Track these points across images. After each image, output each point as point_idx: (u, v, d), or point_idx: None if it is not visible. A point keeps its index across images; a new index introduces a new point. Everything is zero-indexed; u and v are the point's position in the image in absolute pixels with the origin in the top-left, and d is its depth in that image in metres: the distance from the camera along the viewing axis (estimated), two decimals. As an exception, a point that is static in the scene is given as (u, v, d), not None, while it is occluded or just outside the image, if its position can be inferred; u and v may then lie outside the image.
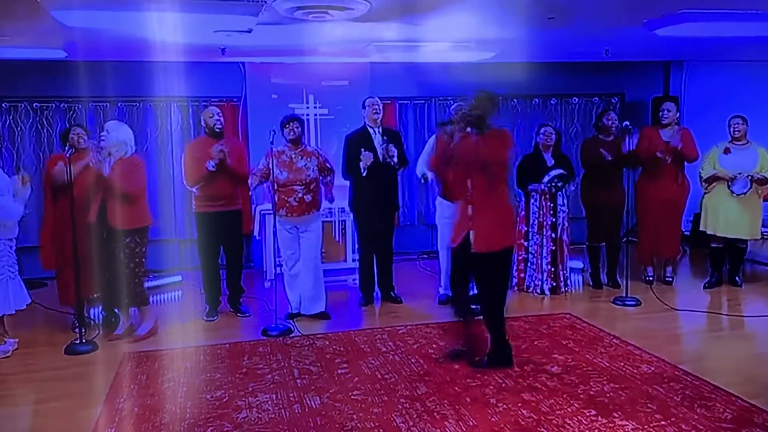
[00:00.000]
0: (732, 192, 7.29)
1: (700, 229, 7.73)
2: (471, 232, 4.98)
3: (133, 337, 6.20)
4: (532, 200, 7.39)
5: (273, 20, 5.90)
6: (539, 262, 7.44)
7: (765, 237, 8.58)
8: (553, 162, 7.38)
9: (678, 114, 7.58)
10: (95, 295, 6.43)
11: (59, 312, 6.70)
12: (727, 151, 7.40)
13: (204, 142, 6.64)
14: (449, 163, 5.14)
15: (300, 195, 6.43)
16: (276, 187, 6.40)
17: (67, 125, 7.32)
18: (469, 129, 5.06)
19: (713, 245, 7.72)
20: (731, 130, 7.42)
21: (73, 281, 6.11)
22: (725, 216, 7.43)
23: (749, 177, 7.21)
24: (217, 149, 6.35)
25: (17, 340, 6.06)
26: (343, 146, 7.10)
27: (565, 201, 7.43)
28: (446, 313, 6.80)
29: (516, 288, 7.59)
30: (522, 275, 7.58)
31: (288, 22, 5.91)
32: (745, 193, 7.26)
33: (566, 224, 7.45)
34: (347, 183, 7.12)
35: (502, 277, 5.19)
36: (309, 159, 6.51)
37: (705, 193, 7.61)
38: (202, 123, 6.73)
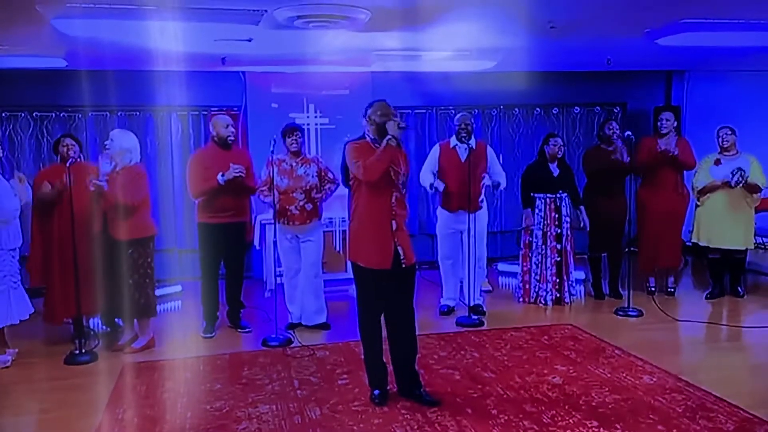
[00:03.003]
0: (729, 182, 7.23)
1: (693, 240, 7.73)
2: (399, 247, 4.75)
3: (130, 348, 6.18)
4: (537, 210, 7.37)
5: (274, 29, 5.89)
6: (544, 272, 7.42)
7: (761, 247, 8.58)
8: (558, 172, 7.37)
9: (675, 123, 7.57)
10: (95, 308, 6.38)
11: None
12: (717, 162, 7.39)
13: (212, 153, 6.54)
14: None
15: (302, 203, 6.41)
16: (277, 195, 6.38)
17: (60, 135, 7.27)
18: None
19: (711, 256, 7.70)
20: (720, 140, 7.42)
21: (58, 300, 6.16)
22: (718, 227, 7.42)
23: (740, 173, 7.19)
24: (237, 169, 6.25)
25: (17, 350, 6.04)
26: (342, 153, 7.08)
27: (569, 212, 7.41)
28: (447, 324, 6.82)
29: (521, 299, 7.58)
30: (527, 286, 7.56)
31: (289, 31, 5.90)
32: (734, 179, 7.20)
33: (570, 235, 7.43)
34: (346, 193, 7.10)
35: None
36: (308, 166, 6.50)
37: (698, 206, 7.58)
38: (212, 131, 6.55)
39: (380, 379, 4.91)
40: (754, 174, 7.24)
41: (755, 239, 7.91)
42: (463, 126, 6.92)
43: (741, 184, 7.17)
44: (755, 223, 7.67)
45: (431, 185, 6.97)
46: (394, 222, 4.74)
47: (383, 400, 4.83)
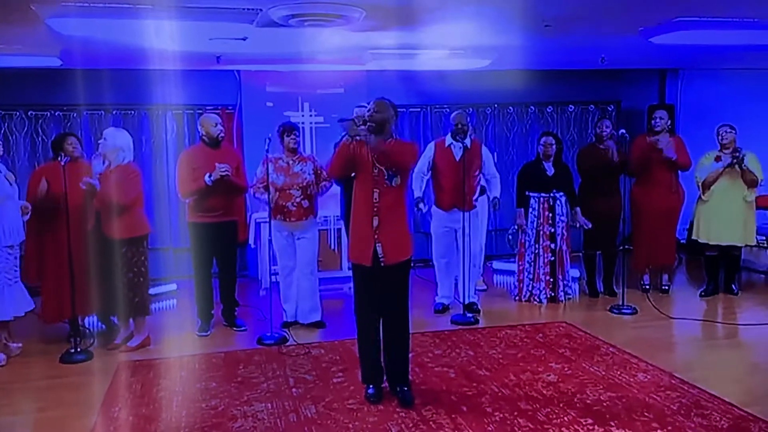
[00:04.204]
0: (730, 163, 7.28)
1: (693, 237, 7.74)
2: (378, 244, 4.67)
3: (126, 347, 6.18)
4: (531, 209, 7.38)
5: (268, 28, 5.88)
6: (537, 271, 7.43)
7: (760, 245, 8.59)
8: (553, 171, 7.38)
9: (669, 122, 7.58)
10: (90, 307, 6.37)
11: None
12: (718, 159, 7.39)
13: (201, 152, 6.49)
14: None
15: (298, 200, 6.41)
16: (274, 192, 6.38)
17: (62, 132, 7.24)
18: (372, 135, 4.72)
19: (708, 253, 7.72)
20: (720, 138, 7.44)
21: (52, 300, 6.19)
22: (718, 223, 7.44)
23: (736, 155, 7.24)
24: (222, 169, 6.19)
25: (21, 344, 6.07)
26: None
27: (564, 210, 7.42)
28: (442, 322, 6.82)
29: (516, 298, 7.59)
30: (521, 285, 7.57)
31: (283, 29, 5.90)
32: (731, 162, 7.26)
33: (565, 234, 7.44)
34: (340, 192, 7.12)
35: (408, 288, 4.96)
36: (305, 164, 6.51)
37: (699, 200, 7.57)
38: (200, 130, 6.51)
39: (373, 376, 4.92)
40: (753, 168, 7.26)
41: (758, 237, 7.90)
42: (459, 125, 6.90)
43: (739, 157, 7.17)
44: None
45: (417, 204, 7.04)
46: (376, 218, 4.70)
47: (378, 398, 4.84)
